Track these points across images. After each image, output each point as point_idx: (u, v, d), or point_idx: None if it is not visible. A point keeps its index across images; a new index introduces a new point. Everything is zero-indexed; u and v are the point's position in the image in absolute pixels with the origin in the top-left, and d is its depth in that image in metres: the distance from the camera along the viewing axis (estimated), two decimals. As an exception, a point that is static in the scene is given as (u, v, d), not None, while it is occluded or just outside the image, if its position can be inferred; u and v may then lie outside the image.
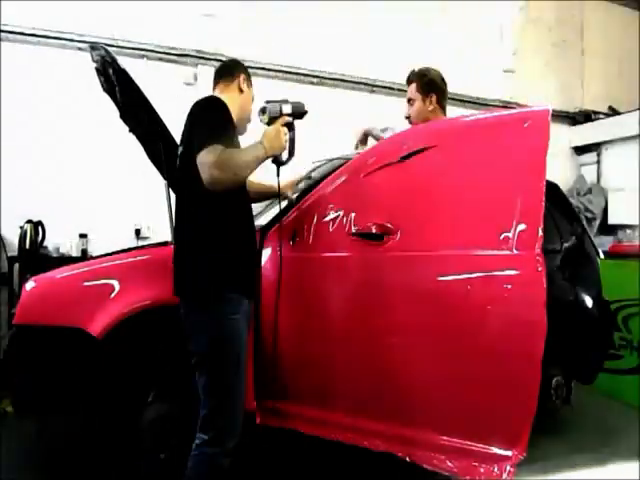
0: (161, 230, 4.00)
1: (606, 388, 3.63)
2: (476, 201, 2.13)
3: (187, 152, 1.85)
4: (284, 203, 2.47)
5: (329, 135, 5.33)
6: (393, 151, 2.30)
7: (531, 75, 6.82)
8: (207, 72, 5.16)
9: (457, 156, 2.23)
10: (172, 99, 4.68)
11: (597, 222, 6.54)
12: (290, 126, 2.02)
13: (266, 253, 2.40)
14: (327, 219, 2.34)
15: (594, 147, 7.00)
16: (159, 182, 2.72)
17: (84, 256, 4.42)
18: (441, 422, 2.11)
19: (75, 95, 4.56)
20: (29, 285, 2.27)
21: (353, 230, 2.26)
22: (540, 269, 1.91)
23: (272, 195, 2.33)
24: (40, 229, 4.32)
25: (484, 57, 6.51)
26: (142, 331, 2.29)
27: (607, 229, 6.61)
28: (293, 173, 3.17)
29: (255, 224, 2.68)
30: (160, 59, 5.05)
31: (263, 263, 2.38)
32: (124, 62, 2.54)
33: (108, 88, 2.80)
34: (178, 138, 2.52)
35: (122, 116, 2.91)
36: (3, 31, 4.46)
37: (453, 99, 6.22)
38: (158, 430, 2.31)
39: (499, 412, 2.00)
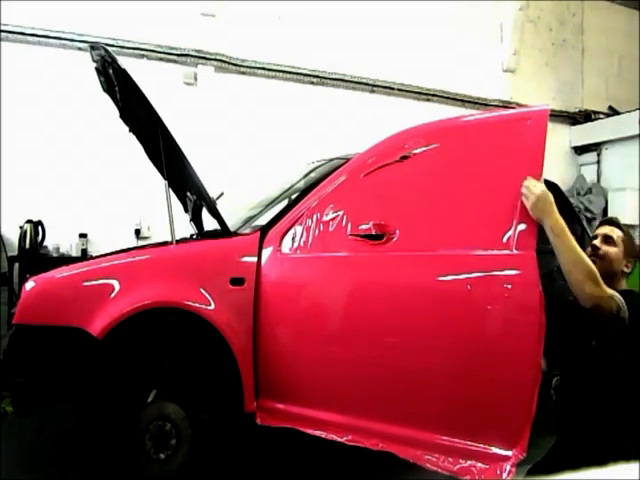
0: (161, 230, 4.00)
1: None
2: (476, 201, 2.13)
3: None
4: (284, 203, 2.47)
5: (329, 135, 5.34)
6: (393, 151, 2.30)
7: (531, 75, 6.81)
8: (207, 72, 5.17)
9: (457, 156, 2.23)
10: (172, 99, 4.71)
11: (597, 222, 6.54)
12: None
13: (266, 253, 2.40)
14: (327, 219, 2.34)
15: (594, 147, 6.99)
16: (159, 182, 2.72)
17: (84, 256, 4.42)
18: (441, 422, 2.11)
19: (75, 95, 4.56)
20: (29, 285, 2.27)
21: (353, 230, 2.26)
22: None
23: None
24: (40, 229, 4.32)
25: (484, 57, 6.51)
26: (142, 331, 2.29)
27: (607, 229, 6.60)
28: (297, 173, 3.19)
29: (257, 224, 2.70)
30: (160, 59, 5.04)
31: (263, 263, 2.38)
32: (124, 62, 2.54)
33: (108, 88, 2.80)
34: (178, 138, 2.53)
35: (122, 116, 2.91)
36: (3, 31, 4.46)
37: (453, 99, 6.26)
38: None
39: (499, 412, 2.00)
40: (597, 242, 1.88)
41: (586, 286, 1.65)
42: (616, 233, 1.88)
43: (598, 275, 1.67)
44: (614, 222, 1.95)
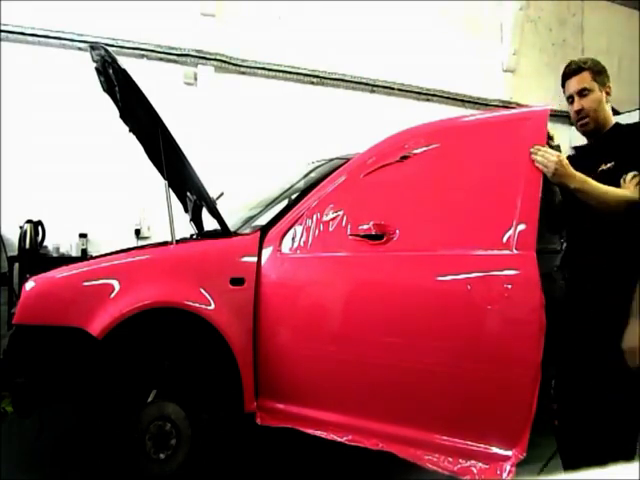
0: (161, 230, 4.00)
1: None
2: (476, 201, 2.13)
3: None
4: (284, 203, 2.47)
5: (329, 135, 5.34)
6: (393, 151, 2.30)
7: (531, 75, 6.82)
8: (207, 72, 5.17)
9: (457, 156, 2.23)
10: (172, 99, 4.71)
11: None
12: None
13: (266, 253, 2.40)
14: (327, 219, 2.34)
15: (594, 147, 6.99)
16: (159, 182, 2.72)
17: (84, 256, 4.42)
18: (441, 422, 2.11)
19: (75, 95, 4.56)
20: (29, 285, 2.27)
21: (353, 230, 2.26)
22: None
23: None
24: (40, 229, 4.32)
25: (484, 57, 6.51)
26: (142, 331, 2.29)
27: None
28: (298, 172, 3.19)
29: (257, 224, 2.70)
30: (160, 59, 5.05)
31: (263, 263, 2.39)
32: (124, 62, 2.54)
33: (108, 88, 2.80)
34: (178, 138, 2.54)
35: (122, 116, 2.91)
36: (3, 31, 4.46)
37: (453, 99, 6.26)
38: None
39: (499, 412, 2.00)
40: (575, 106, 1.89)
41: (623, 212, 1.70)
42: (583, 79, 1.88)
43: (633, 194, 1.70)
44: (573, 68, 1.91)
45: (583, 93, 1.89)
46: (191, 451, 2.36)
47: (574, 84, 1.91)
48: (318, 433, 2.27)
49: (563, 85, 1.97)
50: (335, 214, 2.33)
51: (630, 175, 1.74)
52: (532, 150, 1.88)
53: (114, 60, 2.48)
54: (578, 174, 1.76)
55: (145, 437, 2.29)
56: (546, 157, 1.83)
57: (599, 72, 1.90)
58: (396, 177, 2.28)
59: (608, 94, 1.91)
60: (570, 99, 1.93)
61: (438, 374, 2.11)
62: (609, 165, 1.82)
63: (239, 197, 3.47)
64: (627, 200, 1.71)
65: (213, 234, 2.78)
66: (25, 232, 4.20)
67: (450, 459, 2.04)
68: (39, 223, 4.31)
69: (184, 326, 2.32)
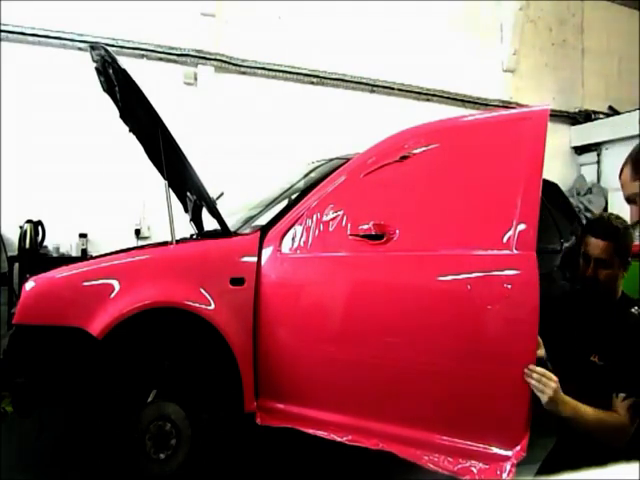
0: (161, 230, 4.00)
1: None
2: (476, 201, 2.13)
3: None
4: (284, 203, 2.47)
5: (329, 135, 5.34)
6: (393, 151, 2.30)
7: (531, 75, 6.82)
8: (207, 72, 5.17)
9: (457, 156, 2.24)
10: (172, 99, 4.71)
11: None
12: None
13: (266, 253, 2.40)
14: (327, 219, 2.34)
15: (594, 147, 7.00)
16: (159, 182, 2.72)
17: (84, 256, 4.42)
18: (441, 422, 2.11)
19: (75, 95, 4.56)
20: (29, 285, 2.27)
21: (353, 230, 2.26)
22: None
23: None
24: (40, 229, 4.32)
25: (484, 57, 6.52)
26: (142, 331, 2.29)
27: (607, 229, 6.60)
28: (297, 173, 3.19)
29: (257, 224, 2.70)
30: (160, 59, 5.05)
31: (263, 263, 2.39)
32: (124, 62, 2.54)
33: (108, 88, 2.80)
34: (178, 138, 2.53)
35: (122, 116, 2.91)
36: (3, 31, 4.46)
37: (453, 99, 6.26)
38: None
39: (499, 412, 2.00)
40: (590, 271, 1.70)
41: (616, 441, 1.61)
42: (608, 251, 1.68)
43: (625, 423, 1.61)
44: (602, 232, 1.70)
45: (603, 264, 1.71)
46: (191, 451, 2.36)
47: (596, 249, 1.71)
48: (318, 433, 2.27)
49: (583, 234, 1.79)
50: (335, 214, 2.33)
51: (621, 397, 1.62)
52: (526, 371, 1.71)
53: (114, 60, 2.48)
54: (568, 400, 1.62)
55: (145, 437, 2.29)
56: (543, 382, 1.64)
57: (626, 246, 1.72)
58: (396, 177, 2.28)
59: (625, 271, 1.73)
60: (586, 257, 1.74)
61: (438, 374, 2.10)
62: (601, 363, 1.70)
63: (239, 197, 3.47)
64: (621, 428, 1.61)
65: (213, 234, 2.78)
66: (25, 232, 4.20)
67: (450, 459, 2.05)
68: (39, 223, 4.31)
69: (184, 326, 2.32)
